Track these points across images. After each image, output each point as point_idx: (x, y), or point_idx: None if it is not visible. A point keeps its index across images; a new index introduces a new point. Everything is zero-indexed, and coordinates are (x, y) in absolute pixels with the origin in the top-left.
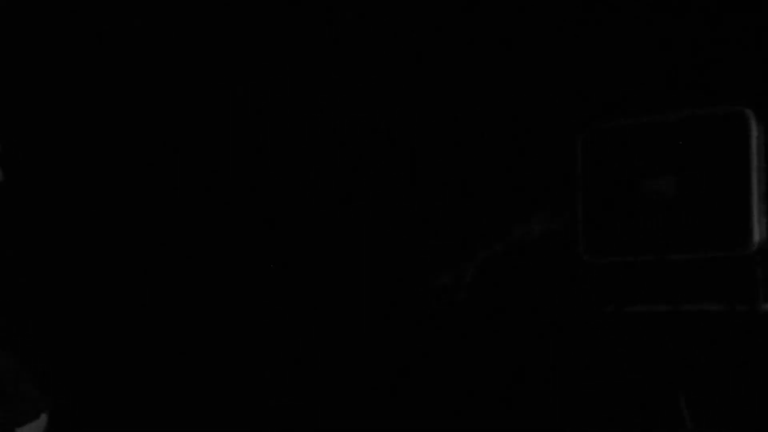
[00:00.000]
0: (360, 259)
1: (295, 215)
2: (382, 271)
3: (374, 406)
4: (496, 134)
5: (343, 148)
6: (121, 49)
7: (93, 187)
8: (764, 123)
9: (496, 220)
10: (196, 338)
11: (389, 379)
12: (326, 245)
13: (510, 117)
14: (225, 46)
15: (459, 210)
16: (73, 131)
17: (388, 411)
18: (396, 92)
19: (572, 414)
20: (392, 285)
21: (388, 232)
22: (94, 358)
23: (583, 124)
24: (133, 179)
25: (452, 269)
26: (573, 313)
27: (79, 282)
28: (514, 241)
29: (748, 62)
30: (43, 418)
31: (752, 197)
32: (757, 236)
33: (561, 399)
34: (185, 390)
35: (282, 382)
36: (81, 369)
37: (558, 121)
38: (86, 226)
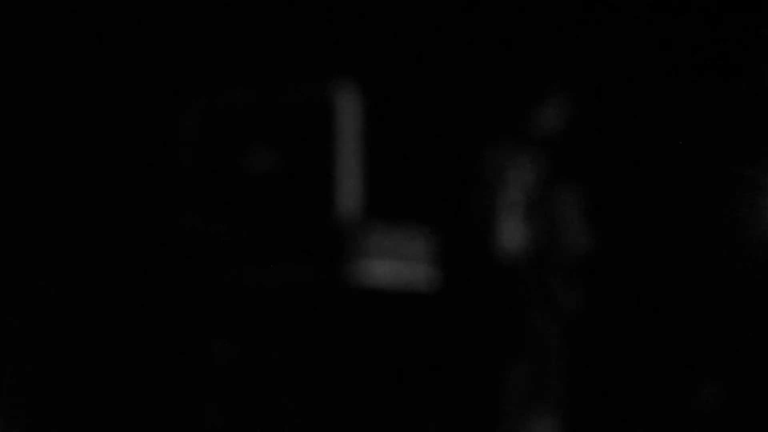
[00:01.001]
0: None
1: None
2: None
3: None
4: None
5: None
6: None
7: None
8: (358, 96)
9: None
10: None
11: None
12: None
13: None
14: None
15: None
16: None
17: None
18: None
19: None
20: None
21: None
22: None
23: (184, 100)
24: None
25: None
26: (175, 283)
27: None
28: None
29: (337, 39)
30: None
31: (341, 169)
32: (345, 206)
33: None
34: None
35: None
36: None
37: (158, 98)
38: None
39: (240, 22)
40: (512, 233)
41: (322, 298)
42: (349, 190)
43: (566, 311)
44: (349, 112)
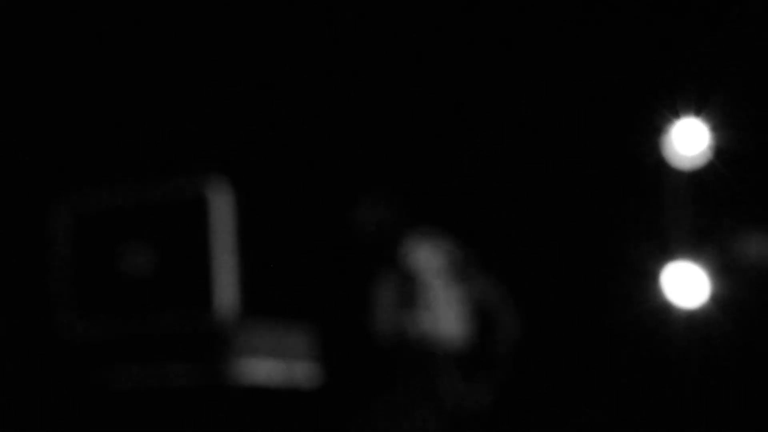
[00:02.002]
0: None
1: None
2: None
3: None
4: None
5: None
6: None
7: None
8: (231, 191)
9: None
10: None
11: None
12: None
13: None
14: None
15: None
16: None
17: None
18: None
19: None
20: None
21: None
22: None
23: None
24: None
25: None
26: (51, 387)
27: None
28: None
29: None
30: None
31: (216, 267)
32: (221, 304)
33: None
34: None
35: None
36: None
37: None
38: None
39: (111, 117)
40: (420, 320)
41: (201, 398)
42: (226, 287)
43: (451, 406)
44: (222, 209)
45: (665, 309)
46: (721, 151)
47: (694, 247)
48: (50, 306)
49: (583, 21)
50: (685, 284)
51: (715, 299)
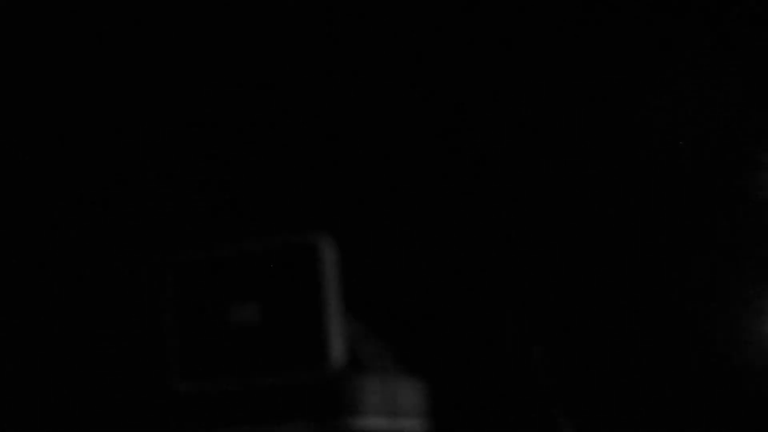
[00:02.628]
0: None
1: None
2: None
3: None
4: None
5: None
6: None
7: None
8: (336, 248)
9: None
10: None
11: None
12: None
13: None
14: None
15: None
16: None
17: None
18: None
19: None
20: None
21: None
22: None
23: (168, 255)
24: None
25: None
26: None
27: None
28: None
29: (325, 191)
30: None
31: (326, 320)
32: (333, 356)
33: None
34: None
35: None
36: None
37: (138, 255)
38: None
39: (212, 176)
40: None
41: None
42: (337, 341)
43: None
44: (331, 262)
45: None
46: None
47: None
48: (161, 360)
49: None
50: None
51: None
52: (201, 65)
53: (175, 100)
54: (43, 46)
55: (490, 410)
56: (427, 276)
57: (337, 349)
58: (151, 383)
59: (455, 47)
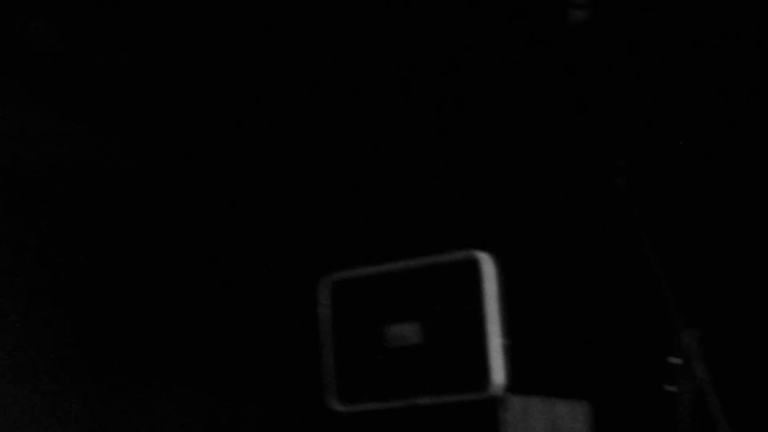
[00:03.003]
0: None
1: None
2: None
3: None
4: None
5: None
6: None
7: None
8: (498, 264)
9: None
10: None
11: None
12: None
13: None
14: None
15: None
16: None
17: None
18: None
19: None
20: None
21: None
22: None
23: (326, 272)
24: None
25: None
26: None
27: None
28: None
29: (482, 205)
30: None
31: (488, 340)
32: (497, 378)
33: None
34: None
35: None
36: None
37: (300, 270)
38: None
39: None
40: None
41: None
42: (498, 362)
43: None
44: (491, 280)
45: None
46: None
47: None
48: (318, 381)
49: None
50: None
51: None
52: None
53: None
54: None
55: None
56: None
57: (500, 369)
58: (309, 402)
59: None
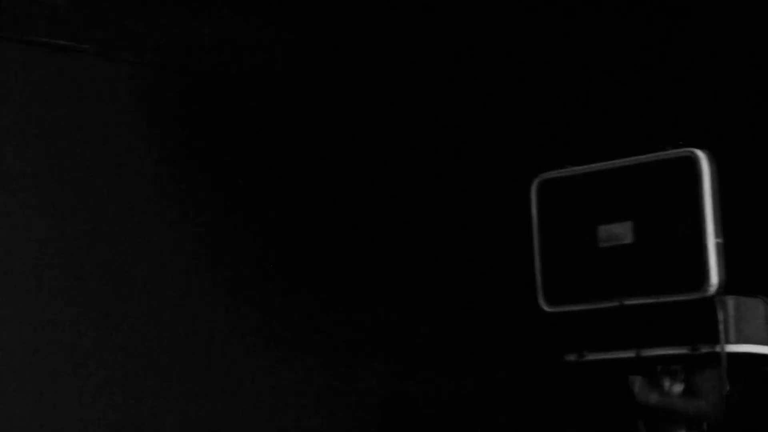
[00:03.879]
0: None
1: None
2: None
3: None
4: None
5: None
6: None
7: None
8: (715, 163)
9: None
10: None
11: None
12: None
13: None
14: None
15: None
16: None
17: None
18: None
19: None
20: None
21: None
22: None
23: (535, 172)
24: None
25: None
26: (537, 363)
27: None
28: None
29: (697, 104)
30: None
31: (707, 239)
32: (714, 278)
33: None
34: None
35: None
36: None
37: (510, 171)
38: None
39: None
40: None
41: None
42: (717, 264)
43: None
44: (712, 175)
45: None
46: None
47: None
48: (531, 281)
49: None
50: None
51: None
52: None
53: None
54: None
55: None
56: None
57: (716, 269)
58: (521, 303)
59: None
